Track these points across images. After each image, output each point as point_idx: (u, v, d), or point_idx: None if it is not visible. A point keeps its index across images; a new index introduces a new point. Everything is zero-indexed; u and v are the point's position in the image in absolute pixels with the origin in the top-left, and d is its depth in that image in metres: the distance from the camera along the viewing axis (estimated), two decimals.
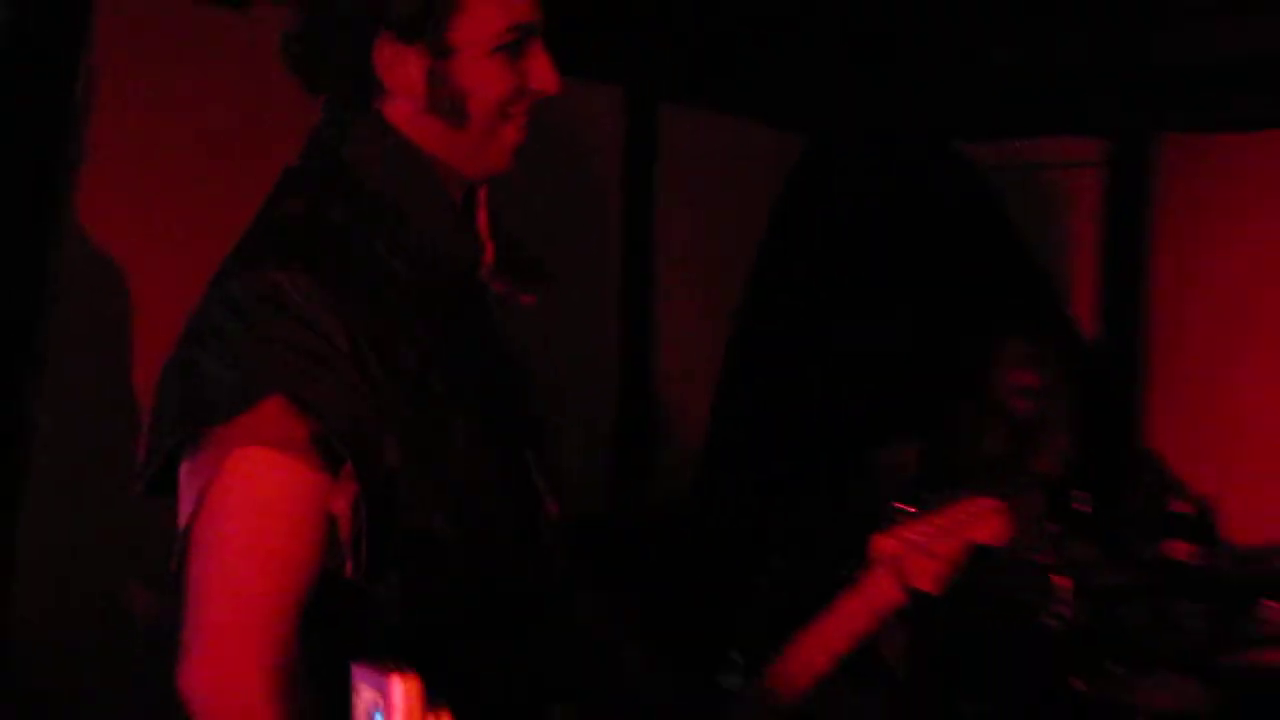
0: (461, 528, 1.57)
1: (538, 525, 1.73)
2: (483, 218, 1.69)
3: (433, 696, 1.07)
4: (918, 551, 2.11)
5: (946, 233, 4.92)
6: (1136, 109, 4.88)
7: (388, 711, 1.06)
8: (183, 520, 1.50)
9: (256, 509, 1.46)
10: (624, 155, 4.31)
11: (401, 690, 1.05)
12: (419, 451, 1.54)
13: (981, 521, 2.16)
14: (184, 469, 1.51)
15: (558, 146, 3.60)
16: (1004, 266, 5.00)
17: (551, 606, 1.72)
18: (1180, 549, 4.20)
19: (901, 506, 2.17)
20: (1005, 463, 4.19)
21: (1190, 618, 3.99)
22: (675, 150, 4.42)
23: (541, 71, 1.62)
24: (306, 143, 1.67)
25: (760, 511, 4.31)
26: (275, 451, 1.44)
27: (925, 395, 4.40)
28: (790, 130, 4.91)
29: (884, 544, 2.12)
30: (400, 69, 1.57)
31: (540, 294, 1.75)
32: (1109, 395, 4.92)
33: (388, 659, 1.08)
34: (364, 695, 1.09)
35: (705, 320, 4.78)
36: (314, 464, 1.46)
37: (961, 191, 5.05)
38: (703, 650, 2.63)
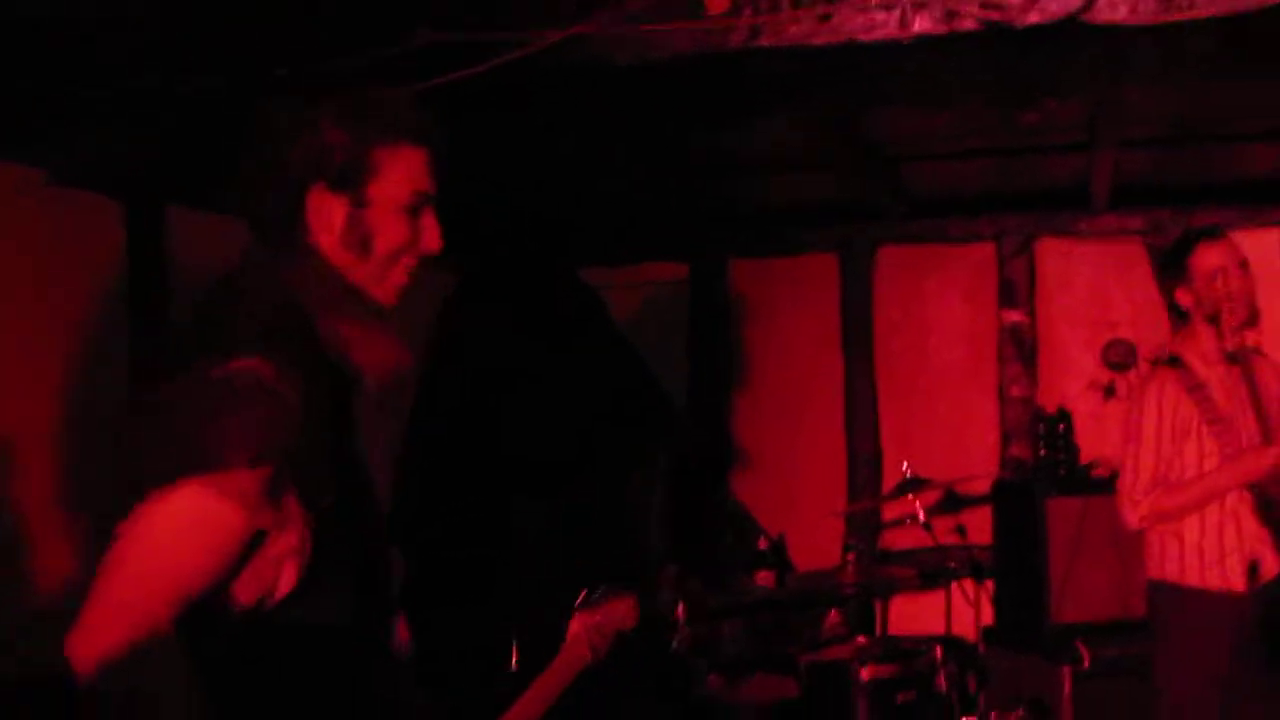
0: (353, 575, 1.85)
1: (388, 576, 2.01)
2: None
3: None
4: (596, 630, 2.98)
5: (567, 340, 5.48)
6: (711, 240, 5.87)
7: None
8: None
9: (177, 525, 1.71)
10: None
11: None
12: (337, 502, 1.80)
13: (625, 615, 3.05)
14: None
15: None
16: (615, 368, 5.56)
17: (385, 635, 2.03)
18: (763, 576, 4.79)
19: (582, 598, 3.02)
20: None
21: (775, 628, 4.66)
22: None
23: (430, 233, 1.96)
24: (242, 264, 1.93)
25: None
26: (212, 491, 1.70)
27: (562, 464, 4.99)
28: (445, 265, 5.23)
29: (576, 624, 2.98)
30: (326, 212, 1.89)
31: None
32: (704, 463, 5.67)
33: None
34: None
35: (384, 417, 5.14)
36: (246, 508, 1.72)
37: (578, 305, 5.64)
38: None
